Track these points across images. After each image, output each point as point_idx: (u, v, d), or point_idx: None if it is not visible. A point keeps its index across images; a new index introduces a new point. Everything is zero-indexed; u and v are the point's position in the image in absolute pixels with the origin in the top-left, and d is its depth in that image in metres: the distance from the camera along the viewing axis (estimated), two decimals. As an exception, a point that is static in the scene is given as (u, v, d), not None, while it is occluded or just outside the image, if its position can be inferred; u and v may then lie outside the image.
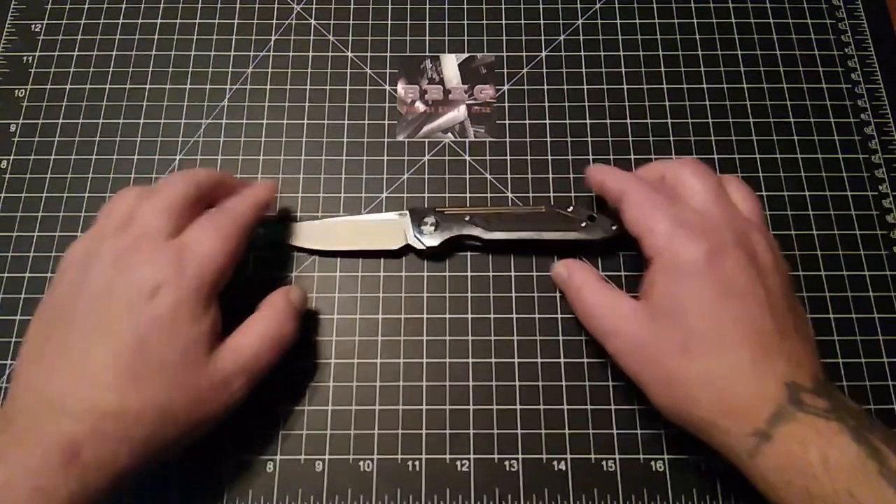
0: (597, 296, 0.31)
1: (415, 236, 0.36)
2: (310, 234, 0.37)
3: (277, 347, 0.30)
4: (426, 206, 0.38)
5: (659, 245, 0.29)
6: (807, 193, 0.38)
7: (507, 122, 0.40)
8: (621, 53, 0.42)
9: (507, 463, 0.33)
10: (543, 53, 0.42)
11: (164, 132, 0.40)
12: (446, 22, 0.43)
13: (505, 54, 0.42)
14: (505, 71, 0.42)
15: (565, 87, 0.41)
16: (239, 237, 0.30)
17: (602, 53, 0.42)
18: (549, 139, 0.40)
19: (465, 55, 0.42)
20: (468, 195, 0.38)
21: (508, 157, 0.39)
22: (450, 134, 0.40)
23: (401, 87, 0.41)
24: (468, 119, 0.40)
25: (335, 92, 0.41)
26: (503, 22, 0.43)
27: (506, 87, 0.41)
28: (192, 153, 0.39)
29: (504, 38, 0.43)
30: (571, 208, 0.36)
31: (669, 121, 0.40)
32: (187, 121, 0.40)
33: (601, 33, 0.43)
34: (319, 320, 0.36)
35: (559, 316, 0.36)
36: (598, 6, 0.43)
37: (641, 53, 0.42)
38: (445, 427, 0.34)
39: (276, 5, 0.43)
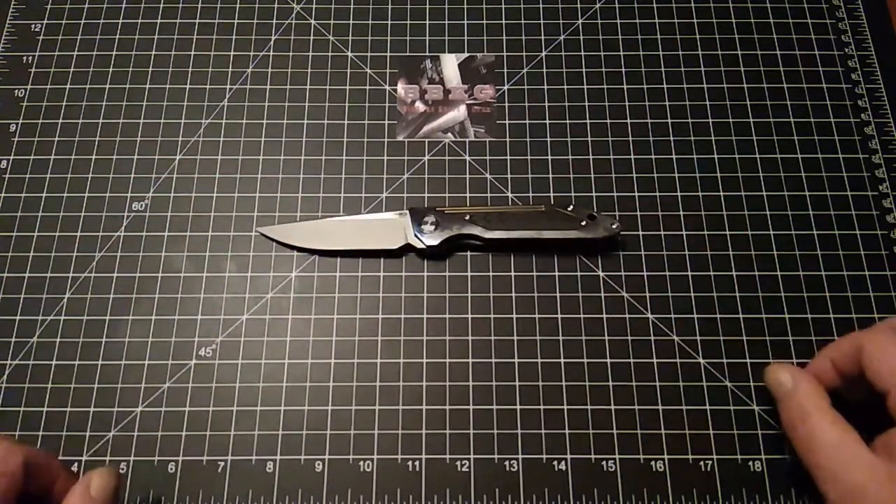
0: (830, 432, 0.27)
1: (415, 235, 0.36)
2: (310, 234, 0.37)
3: None
4: (426, 205, 0.38)
5: None
6: (807, 193, 0.38)
7: (507, 122, 0.40)
8: (621, 53, 0.42)
9: (507, 463, 0.33)
10: (543, 53, 0.42)
11: (164, 132, 0.40)
12: (446, 22, 0.43)
13: (505, 54, 0.42)
14: (505, 71, 0.42)
15: (565, 87, 0.41)
16: None
17: (602, 53, 0.42)
18: (549, 139, 0.40)
19: (465, 55, 0.42)
20: (468, 195, 0.38)
21: (508, 157, 0.39)
22: (450, 134, 0.40)
23: (401, 87, 0.41)
24: (468, 119, 0.40)
25: (335, 92, 0.41)
26: (503, 22, 0.43)
27: (506, 87, 0.41)
28: (192, 153, 0.39)
29: (504, 38, 0.43)
30: (571, 208, 0.36)
31: (669, 121, 0.40)
32: (187, 121, 0.40)
33: (601, 33, 0.43)
34: (319, 320, 0.36)
35: (559, 316, 0.36)
36: (598, 6, 0.43)
37: (641, 53, 0.42)
38: (445, 427, 0.34)
39: (276, 5, 0.43)
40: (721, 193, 0.38)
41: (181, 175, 0.39)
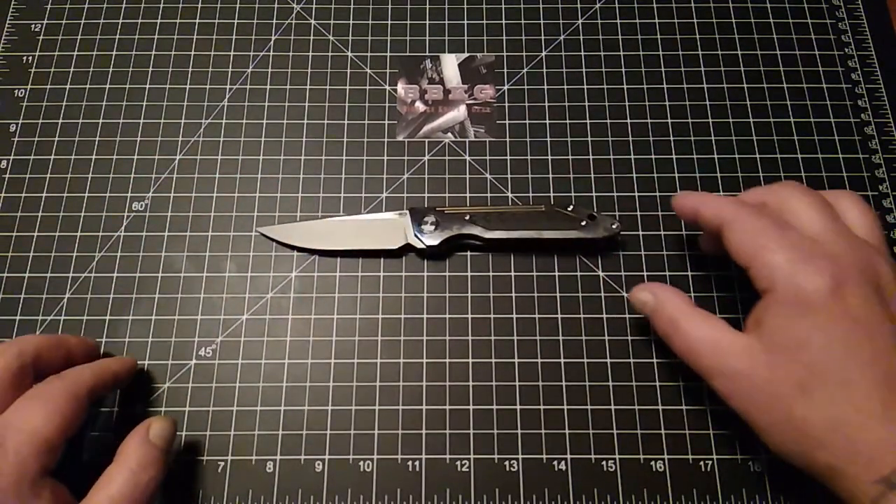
0: (700, 329, 0.29)
1: (415, 235, 0.36)
2: (310, 234, 0.37)
3: None
4: (426, 205, 0.38)
5: (776, 277, 0.27)
6: (807, 193, 0.38)
7: (507, 122, 0.40)
8: (621, 53, 0.42)
9: (507, 463, 0.33)
10: (543, 53, 0.42)
11: (164, 132, 0.40)
12: (446, 22, 0.43)
13: (505, 54, 0.42)
14: (505, 71, 0.42)
15: (565, 87, 0.41)
16: (73, 409, 0.27)
17: (602, 53, 0.42)
18: (549, 139, 0.40)
19: (465, 55, 0.42)
20: (468, 195, 0.38)
21: (508, 157, 0.39)
22: (450, 134, 0.40)
23: (401, 87, 0.41)
24: (468, 119, 0.40)
25: (335, 92, 0.41)
26: (503, 22, 0.43)
27: (506, 87, 0.41)
28: (192, 153, 0.39)
29: (504, 38, 0.43)
30: (571, 207, 0.36)
31: (669, 121, 0.40)
32: (187, 121, 0.40)
33: (601, 33, 0.43)
34: (319, 320, 0.36)
35: (559, 316, 0.36)
36: (598, 6, 0.43)
37: (641, 53, 0.42)
38: (445, 427, 0.34)
39: (276, 5, 0.43)
40: (721, 194, 0.38)
41: (181, 175, 0.39)
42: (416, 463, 0.33)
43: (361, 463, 0.33)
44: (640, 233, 0.37)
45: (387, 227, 0.37)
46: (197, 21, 0.43)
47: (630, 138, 0.40)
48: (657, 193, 0.38)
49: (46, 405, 0.27)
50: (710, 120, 0.40)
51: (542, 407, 0.34)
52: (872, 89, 0.41)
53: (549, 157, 0.39)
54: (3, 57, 0.42)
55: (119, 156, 0.39)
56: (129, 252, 0.37)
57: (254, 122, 0.40)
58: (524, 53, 0.42)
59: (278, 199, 0.38)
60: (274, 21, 0.43)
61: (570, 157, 0.39)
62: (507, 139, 0.40)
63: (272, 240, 0.37)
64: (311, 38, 0.43)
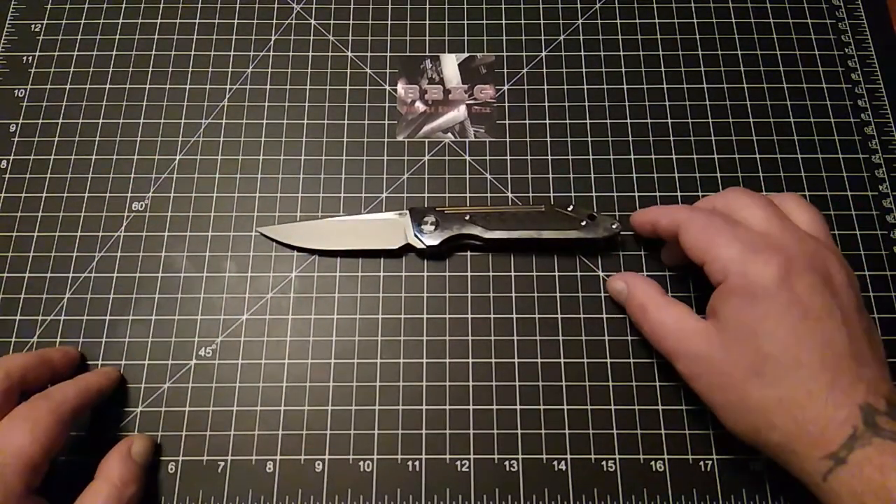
0: (665, 315, 0.31)
1: (415, 235, 0.36)
2: (310, 234, 0.37)
3: None
4: (426, 205, 0.38)
5: (728, 268, 0.28)
6: (807, 193, 0.38)
7: (507, 122, 0.40)
8: (621, 53, 0.42)
9: (507, 463, 0.33)
10: (543, 53, 0.42)
11: (164, 132, 0.40)
12: (446, 22, 0.43)
13: (505, 54, 0.42)
14: (505, 71, 0.42)
15: (565, 87, 0.41)
16: (58, 429, 0.28)
17: (602, 53, 0.42)
18: (549, 139, 0.40)
19: (465, 55, 0.42)
20: (468, 195, 0.38)
21: (508, 157, 0.39)
22: (450, 134, 0.40)
23: (401, 87, 0.41)
24: (468, 119, 0.40)
25: (335, 92, 0.41)
26: (503, 22, 0.43)
27: (506, 87, 0.41)
28: (192, 153, 0.39)
29: (504, 38, 0.43)
30: (571, 208, 0.36)
31: (669, 121, 0.40)
32: (187, 121, 0.40)
33: (601, 33, 0.43)
34: (319, 320, 0.36)
35: (559, 316, 0.36)
36: (598, 6, 0.43)
37: (641, 53, 0.42)
38: (445, 427, 0.34)
39: (276, 5, 0.43)
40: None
41: (181, 175, 0.39)
42: (416, 463, 0.33)
43: (361, 463, 0.33)
44: (640, 233, 0.37)
45: (387, 227, 0.37)
46: (197, 21, 0.43)
47: (630, 138, 0.40)
48: (657, 193, 0.38)
49: (31, 426, 0.27)
50: (710, 120, 0.40)
51: (542, 407, 0.34)
52: (872, 89, 0.41)
53: (549, 157, 0.39)
54: (3, 57, 0.42)
55: (119, 156, 0.39)
56: (129, 252, 0.37)
57: (254, 122, 0.40)
58: (524, 53, 0.42)
59: (278, 199, 0.38)
60: (274, 21, 0.43)
61: (570, 157, 0.39)
62: (507, 139, 0.40)
63: (272, 240, 0.37)
64: (311, 38, 0.43)
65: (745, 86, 0.41)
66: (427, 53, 0.42)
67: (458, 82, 0.42)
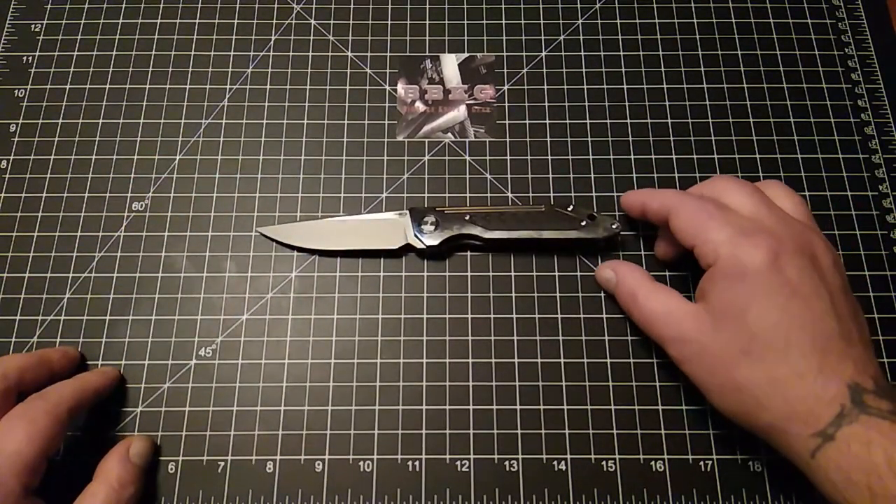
0: (655, 301, 0.31)
1: (415, 235, 0.36)
2: (310, 234, 0.37)
3: None
4: (426, 205, 0.38)
5: (719, 251, 0.29)
6: (807, 193, 0.38)
7: (507, 122, 0.40)
8: (621, 53, 0.42)
9: (507, 463, 0.33)
10: (543, 53, 0.42)
11: (164, 132, 0.40)
12: (446, 22, 0.43)
13: (505, 54, 0.42)
14: (505, 71, 0.42)
15: (565, 87, 0.41)
16: (55, 430, 0.28)
17: (602, 53, 0.42)
18: (549, 139, 0.40)
19: (465, 55, 0.42)
20: (468, 195, 0.38)
21: (508, 157, 0.39)
22: (450, 134, 0.40)
23: (401, 87, 0.41)
24: (468, 119, 0.40)
25: (335, 92, 0.41)
26: (503, 22, 0.43)
27: (506, 87, 0.41)
28: (192, 153, 0.39)
29: (504, 38, 0.43)
30: (571, 207, 0.36)
31: (669, 121, 0.40)
32: (187, 121, 0.40)
33: (601, 33, 0.43)
34: (319, 320, 0.36)
35: (559, 316, 0.36)
36: (598, 6, 0.43)
37: (641, 53, 0.42)
38: (445, 427, 0.34)
39: (276, 5, 0.43)
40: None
41: (181, 175, 0.39)
42: (416, 463, 0.33)
43: (361, 463, 0.33)
44: (641, 233, 0.37)
45: (387, 227, 0.37)
46: (197, 21, 0.43)
47: (630, 138, 0.40)
48: (657, 193, 0.38)
49: (29, 427, 0.27)
50: (710, 120, 0.40)
51: (542, 407, 0.34)
52: (872, 89, 0.41)
53: (549, 157, 0.39)
54: (3, 57, 0.42)
55: (119, 156, 0.39)
56: (129, 252, 0.37)
57: (254, 122, 0.40)
58: (524, 53, 0.42)
59: (278, 199, 0.38)
60: (274, 21, 0.43)
61: (570, 157, 0.39)
62: (507, 139, 0.40)
63: (272, 240, 0.37)
64: (311, 38, 0.43)
65: (745, 86, 0.41)
66: (427, 53, 0.42)
67: (458, 82, 0.42)
